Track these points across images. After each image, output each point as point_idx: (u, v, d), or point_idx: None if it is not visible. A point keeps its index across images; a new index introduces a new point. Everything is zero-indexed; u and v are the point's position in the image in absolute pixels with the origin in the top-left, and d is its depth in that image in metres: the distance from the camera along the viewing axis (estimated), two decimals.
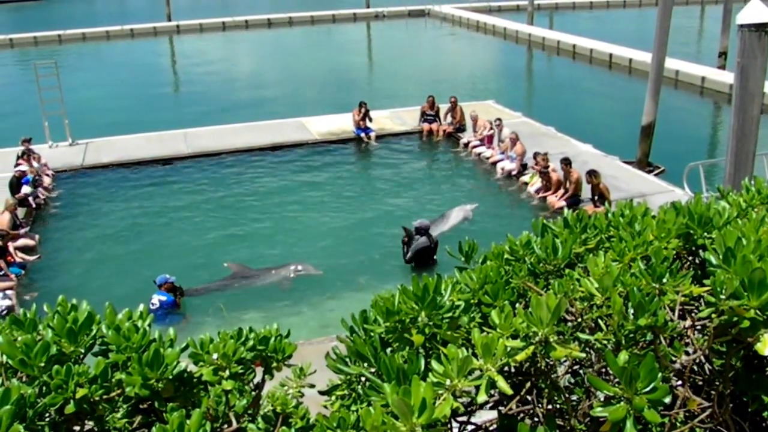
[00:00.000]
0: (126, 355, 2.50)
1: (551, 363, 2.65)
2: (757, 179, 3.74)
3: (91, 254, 15.74)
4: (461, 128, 22.65)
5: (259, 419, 2.83)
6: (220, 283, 14.06)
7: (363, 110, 22.57)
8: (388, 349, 2.62)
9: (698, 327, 2.73)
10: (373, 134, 22.62)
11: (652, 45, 19.56)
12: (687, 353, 2.67)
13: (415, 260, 14.23)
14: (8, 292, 13.43)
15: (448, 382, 2.22)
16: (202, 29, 51.84)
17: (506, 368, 2.54)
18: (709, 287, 2.52)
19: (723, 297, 2.42)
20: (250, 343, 2.70)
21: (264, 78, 36.72)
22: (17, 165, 18.38)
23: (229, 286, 14.00)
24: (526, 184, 18.27)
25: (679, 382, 2.73)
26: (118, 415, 2.58)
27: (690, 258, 3.20)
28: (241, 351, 2.64)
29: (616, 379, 2.30)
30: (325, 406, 2.80)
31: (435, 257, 14.28)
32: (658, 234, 3.08)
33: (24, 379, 2.45)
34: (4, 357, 2.44)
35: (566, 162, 16.88)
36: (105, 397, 2.42)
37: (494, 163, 19.81)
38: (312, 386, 3.01)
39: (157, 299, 12.80)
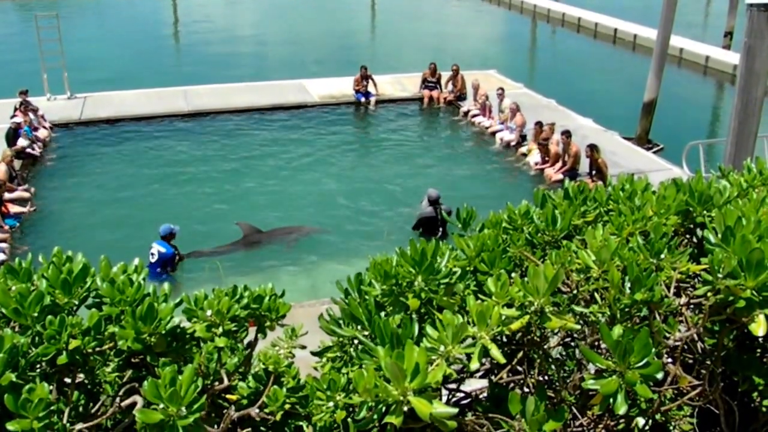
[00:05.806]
0: (120, 308, 2.49)
1: (545, 334, 2.65)
2: (758, 159, 3.73)
3: (87, 208, 15.69)
4: (462, 97, 22.53)
5: (250, 378, 2.83)
6: (226, 248, 13.86)
7: (364, 74, 22.47)
8: (383, 313, 2.62)
9: (693, 305, 2.73)
10: (373, 99, 22.49)
11: (658, 21, 19.43)
12: (680, 331, 2.67)
13: (421, 229, 14.04)
14: (2, 245, 13.36)
15: (442, 348, 2.21)
16: None
17: (499, 337, 2.54)
18: (707, 265, 2.52)
19: (720, 276, 2.41)
20: (245, 301, 2.70)
21: (266, 38, 36.39)
22: (13, 116, 18.23)
23: (235, 250, 13.82)
24: (525, 155, 18.23)
25: (670, 360, 2.74)
26: (109, 369, 2.58)
27: (688, 236, 3.19)
28: (234, 308, 2.63)
29: (608, 353, 2.30)
30: (316, 368, 2.80)
31: (441, 230, 13.80)
32: (658, 210, 3.07)
33: (17, 328, 2.45)
34: None
35: (566, 134, 16.81)
36: (98, 349, 2.41)
37: (493, 134, 19.75)
38: (303, 347, 3.01)
39: (156, 250, 12.55)
